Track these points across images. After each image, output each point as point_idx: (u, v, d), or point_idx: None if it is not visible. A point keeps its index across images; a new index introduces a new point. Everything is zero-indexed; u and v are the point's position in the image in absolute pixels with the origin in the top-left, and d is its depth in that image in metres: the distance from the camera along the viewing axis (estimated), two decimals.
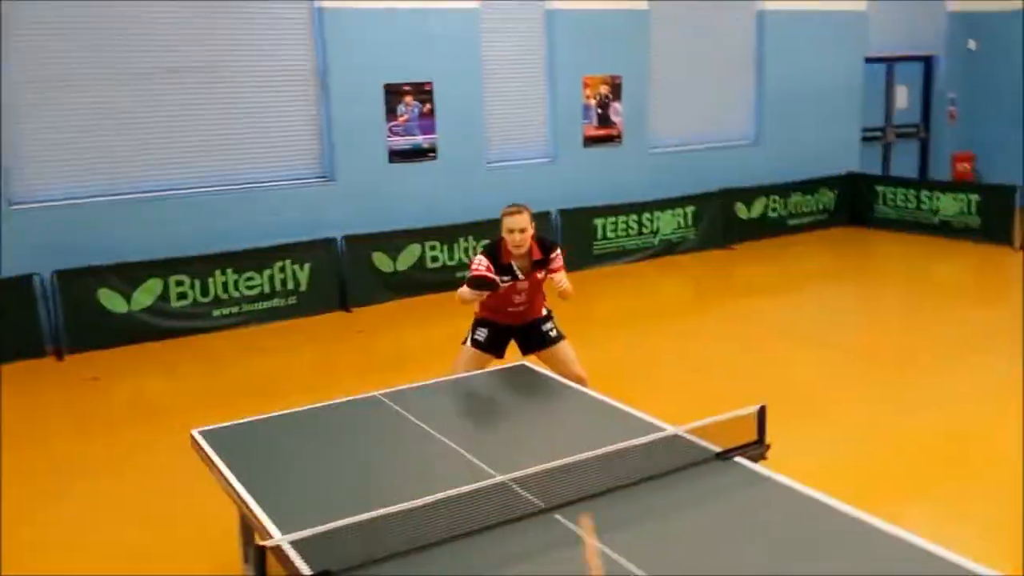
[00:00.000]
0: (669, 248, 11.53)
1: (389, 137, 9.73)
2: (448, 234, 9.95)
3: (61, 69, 8.21)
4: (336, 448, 3.97)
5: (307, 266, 9.18)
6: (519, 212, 5.24)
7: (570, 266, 10.39)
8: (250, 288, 8.94)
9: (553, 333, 5.54)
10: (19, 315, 7.99)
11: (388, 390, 4.59)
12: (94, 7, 8.27)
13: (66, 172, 8.38)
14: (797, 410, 6.26)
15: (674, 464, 3.61)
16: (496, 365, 5.30)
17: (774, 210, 12.49)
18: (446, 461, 3.75)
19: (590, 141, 11.11)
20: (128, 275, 8.40)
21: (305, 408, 4.41)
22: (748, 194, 12.20)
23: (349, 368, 7.74)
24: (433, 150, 9.99)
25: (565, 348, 5.54)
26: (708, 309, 9.50)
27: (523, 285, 5.34)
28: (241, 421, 4.27)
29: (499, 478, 3.39)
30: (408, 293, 9.64)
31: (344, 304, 9.38)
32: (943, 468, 5.36)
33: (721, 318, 8.99)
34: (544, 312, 5.57)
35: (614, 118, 11.21)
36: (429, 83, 9.84)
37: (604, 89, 11.07)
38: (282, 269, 9.08)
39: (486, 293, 5.11)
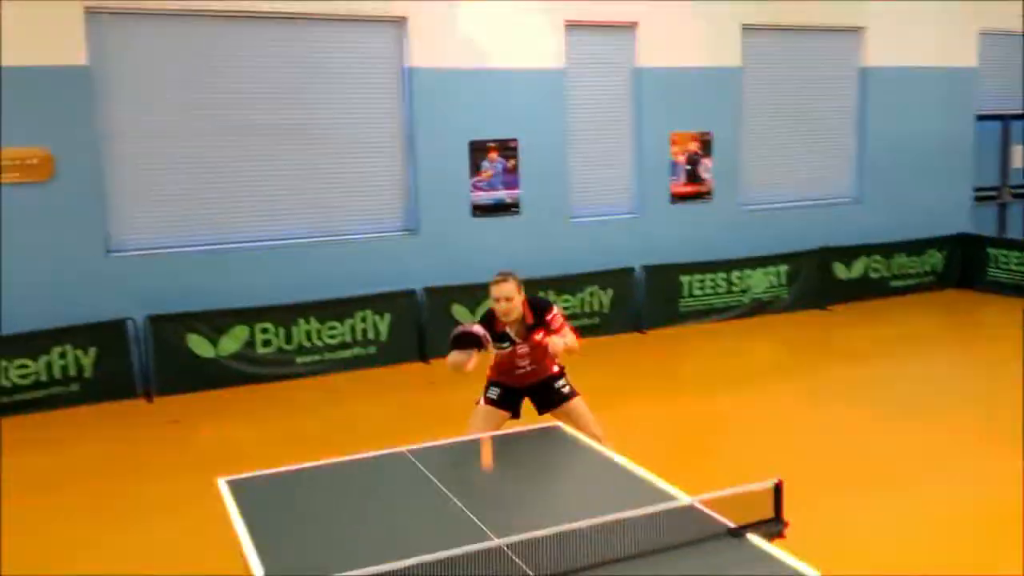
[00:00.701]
0: (760, 308, 11.22)
1: (472, 192, 9.89)
2: (529, 288, 9.92)
3: (160, 124, 8.73)
4: (348, 503, 4.01)
5: (387, 316, 9.38)
6: (504, 280, 5.26)
7: (654, 323, 10.42)
8: (332, 337, 9.19)
9: (566, 390, 5.53)
10: (113, 357, 8.44)
11: (416, 446, 4.62)
12: (191, 66, 8.79)
13: (162, 223, 8.85)
14: (869, 485, 5.96)
15: (682, 538, 3.48)
16: (519, 425, 5.25)
17: (876, 271, 12.01)
18: (452, 523, 3.72)
19: (678, 198, 10.99)
20: (216, 322, 8.77)
21: (333, 460, 4.48)
22: (847, 253, 11.79)
23: (423, 419, 7.80)
24: (516, 205, 10.10)
25: (579, 406, 5.51)
26: (796, 372, 9.14)
27: (523, 349, 5.34)
28: (268, 471, 4.36)
29: (494, 543, 3.34)
30: None
31: (423, 355, 9.51)
32: (1008, 555, 4.97)
33: (809, 382, 8.63)
34: (556, 369, 5.54)
35: (704, 175, 11.07)
36: (514, 140, 9.98)
37: (693, 146, 10.96)
38: (363, 319, 9.30)
39: (474, 352, 5.10)
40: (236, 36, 8.90)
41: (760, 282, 11.22)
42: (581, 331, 10.03)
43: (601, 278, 10.36)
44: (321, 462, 4.48)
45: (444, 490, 4.05)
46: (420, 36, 9.48)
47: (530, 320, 5.31)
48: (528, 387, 5.52)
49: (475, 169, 9.88)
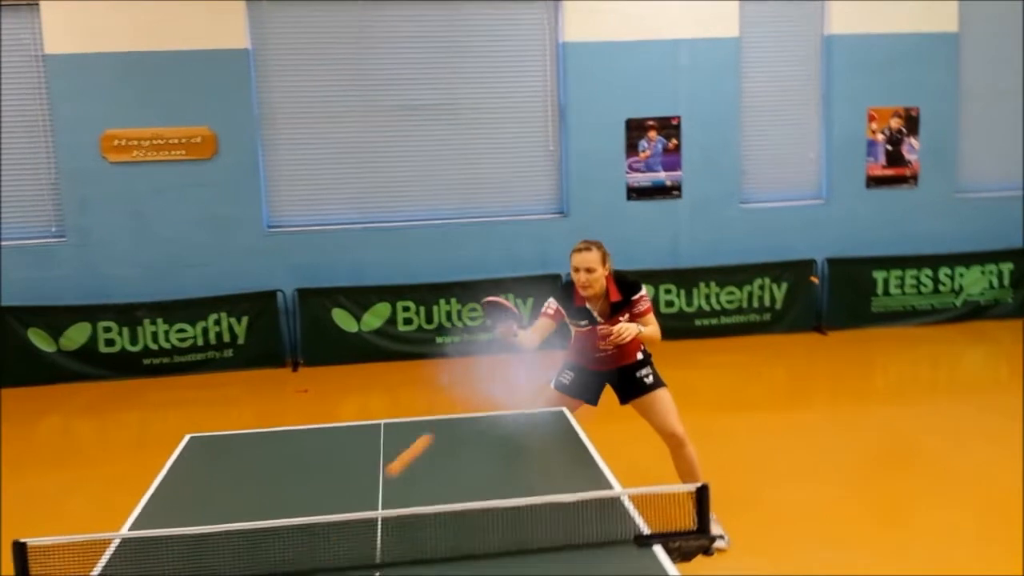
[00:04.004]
0: (976, 312, 9.61)
1: (628, 173, 9.32)
2: (687, 278, 9.25)
3: (314, 106, 9.03)
4: (282, 468, 3.81)
5: (530, 301, 9.08)
6: (586, 249, 4.68)
7: (841, 324, 9.27)
8: (472, 319, 9.06)
9: (649, 380, 4.88)
10: (264, 327, 8.86)
11: (394, 420, 4.32)
12: (344, 48, 9.00)
13: (314, 200, 9.17)
14: None
15: (576, 540, 2.92)
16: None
17: None
18: (354, 499, 3.39)
19: (875, 182, 9.69)
20: (360, 298, 8.94)
21: (304, 427, 4.31)
22: None
23: None
24: (677, 188, 9.39)
25: (662, 398, 4.86)
26: (1007, 393, 7.48)
27: (604, 330, 4.74)
28: (235, 432, 4.27)
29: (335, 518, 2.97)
30: None
31: None
32: None
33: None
34: (639, 356, 4.91)
35: (908, 156, 9.67)
36: (676, 117, 9.28)
37: (896, 123, 9.61)
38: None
39: (518, 333, 4.57)
40: (389, 17, 9.00)
41: (977, 282, 9.60)
42: (747, 328, 9.31)
43: (774, 270, 9.36)
44: (296, 427, 4.33)
45: (379, 463, 3.73)
46: (576, 8, 9.07)
47: (615, 298, 4.74)
48: (608, 372, 4.99)
49: (631, 149, 9.30)
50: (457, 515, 2.94)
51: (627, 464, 5.14)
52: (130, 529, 3.17)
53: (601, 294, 4.71)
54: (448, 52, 9.12)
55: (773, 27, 9.49)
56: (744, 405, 7.43)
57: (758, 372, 8.46)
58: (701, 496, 2.90)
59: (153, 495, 3.48)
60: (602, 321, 4.72)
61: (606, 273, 4.69)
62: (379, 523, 3.03)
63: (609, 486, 3.33)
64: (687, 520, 2.94)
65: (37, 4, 8.52)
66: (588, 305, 4.75)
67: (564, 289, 4.87)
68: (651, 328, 4.71)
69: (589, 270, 4.63)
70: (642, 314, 4.69)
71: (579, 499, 2.98)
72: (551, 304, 4.84)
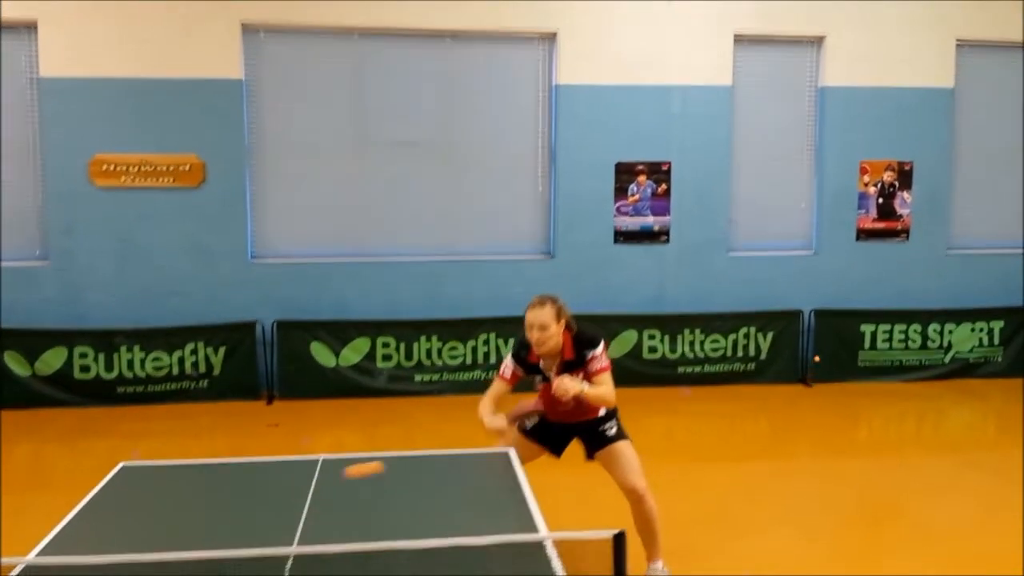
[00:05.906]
0: (964, 370, 9.46)
1: (617, 217, 9.27)
2: (672, 324, 9.14)
3: (304, 138, 9.03)
4: (206, 501, 3.70)
5: (512, 341, 8.95)
6: (539, 305, 4.53)
7: (827, 377, 9.10)
8: (453, 358, 8.96)
9: (611, 432, 4.73)
10: (241, 358, 8.76)
11: (336, 456, 4.21)
12: (338, 82, 9.02)
13: (300, 232, 9.13)
14: None
15: None
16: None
17: None
18: (271, 534, 3.28)
19: (865, 234, 9.60)
20: (340, 332, 8.85)
21: (242, 460, 4.21)
22: None
23: None
24: (665, 233, 9.32)
25: (622, 451, 4.70)
26: (990, 451, 7.40)
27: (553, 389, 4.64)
28: (170, 462, 4.18)
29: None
30: (619, 383, 8.92)
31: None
32: None
33: (1005, 468, 6.74)
34: (602, 412, 4.76)
35: (900, 210, 9.59)
36: (667, 163, 9.24)
37: (888, 176, 9.54)
38: (486, 342, 8.99)
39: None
40: (383, 52, 9.04)
41: (967, 339, 9.46)
42: (730, 377, 9.16)
43: (760, 319, 9.25)
44: (233, 459, 4.24)
45: (307, 498, 3.63)
46: (570, 52, 9.09)
47: (569, 355, 4.56)
48: (571, 426, 4.86)
49: (620, 192, 9.25)
50: (368, 553, 2.83)
51: (594, 509, 5.04)
52: (38, 556, 3.07)
53: (557, 352, 4.57)
54: (441, 90, 9.14)
55: (767, 77, 9.49)
56: (722, 455, 7.28)
57: (739, 422, 8.31)
58: (618, 544, 2.78)
59: (70, 522, 3.37)
60: (553, 379, 4.59)
61: (561, 329, 4.55)
62: (289, 560, 2.92)
63: (535, 530, 3.21)
64: (608, 569, 2.81)
65: (35, 27, 8.58)
66: (542, 363, 4.63)
67: (522, 344, 4.72)
68: (601, 389, 4.48)
69: (542, 327, 4.48)
70: (596, 373, 4.50)
71: (494, 542, 2.86)
72: (507, 365, 4.74)
